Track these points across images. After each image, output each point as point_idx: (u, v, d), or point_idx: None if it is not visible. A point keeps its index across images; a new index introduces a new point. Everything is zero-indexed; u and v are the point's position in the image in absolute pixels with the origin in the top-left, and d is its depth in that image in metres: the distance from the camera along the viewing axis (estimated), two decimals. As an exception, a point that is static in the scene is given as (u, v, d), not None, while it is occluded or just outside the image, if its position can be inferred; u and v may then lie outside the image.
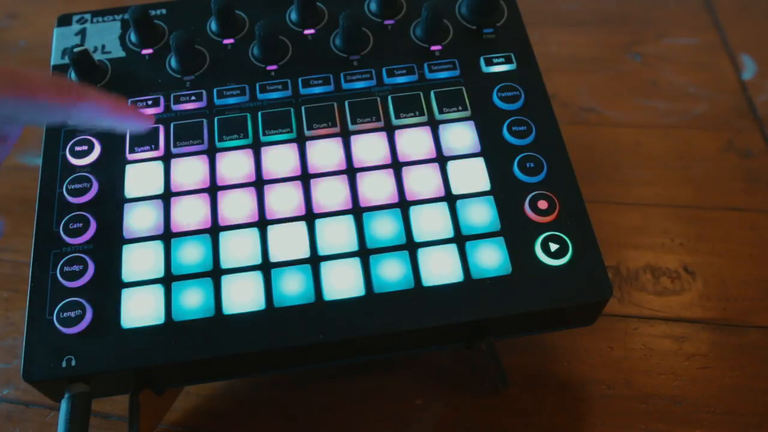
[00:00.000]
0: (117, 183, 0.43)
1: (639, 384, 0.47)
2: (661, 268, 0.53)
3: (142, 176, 0.43)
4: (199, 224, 0.41)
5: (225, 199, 0.42)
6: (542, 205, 0.41)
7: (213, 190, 0.42)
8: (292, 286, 0.39)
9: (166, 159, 0.44)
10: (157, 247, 0.40)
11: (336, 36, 0.48)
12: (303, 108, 0.45)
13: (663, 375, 0.47)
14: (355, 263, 0.40)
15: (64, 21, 0.50)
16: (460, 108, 0.45)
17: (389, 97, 0.45)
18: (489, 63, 0.47)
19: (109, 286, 0.39)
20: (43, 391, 0.39)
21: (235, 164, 0.43)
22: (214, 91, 0.46)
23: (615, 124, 0.65)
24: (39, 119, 0.34)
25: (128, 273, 0.40)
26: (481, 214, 0.41)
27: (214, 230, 0.41)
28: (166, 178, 0.43)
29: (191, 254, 0.40)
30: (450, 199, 0.42)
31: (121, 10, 0.50)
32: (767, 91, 0.67)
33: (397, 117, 0.44)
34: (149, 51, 0.48)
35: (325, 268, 0.40)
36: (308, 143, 0.44)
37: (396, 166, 0.43)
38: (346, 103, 0.45)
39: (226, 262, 0.40)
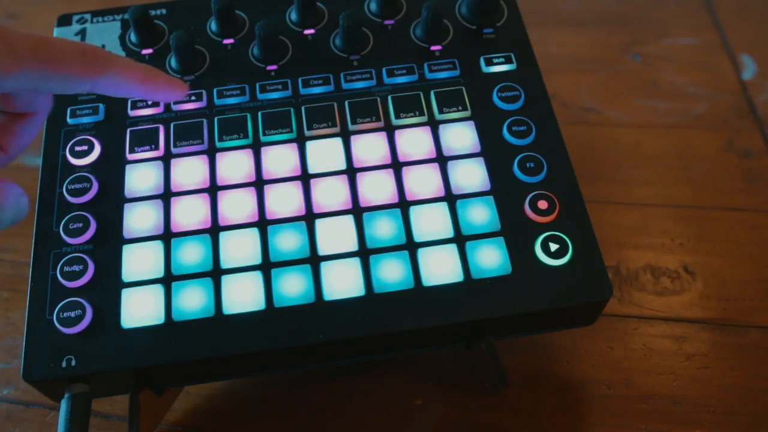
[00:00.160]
0: (117, 183, 0.43)
1: (639, 384, 0.47)
2: (661, 268, 0.53)
3: (142, 176, 0.43)
4: (199, 224, 0.41)
5: (225, 199, 0.42)
6: (542, 205, 0.41)
7: (213, 190, 0.42)
8: (292, 286, 0.39)
9: (166, 159, 0.43)
10: (157, 247, 0.40)
11: (336, 36, 0.48)
12: (303, 108, 0.45)
13: (663, 375, 0.47)
14: (355, 263, 0.40)
15: (64, 21, 0.50)
16: (460, 108, 0.45)
17: (389, 97, 0.45)
18: (489, 63, 0.47)
19: (109, 286, 0.39)
20: (43, 391, 0.39)
21: (235, 164, 0.43)
22: (214, 91, 0.46)
23: (615, 124, 0.65)
24: (65, 89, 0.32)
25: (128, 273, 0.40)
26: (481, 214, 0.41)
27: (214, 230, 0.41)
28: (166, 178, 0.43)
29: (191, 254, 0.40)
30: (450, 199, 0.42)
31: (121, 10, 0.50)
32: (767, 91, 0.67)
33: (397, 117, 0.44)
34: (149, 51, 0.48)
35: (325, 268, 0.40)
36: (308, 143, 0.44)
37: (396, 166, 0.43)
38: (346, 103, 0.45)
39: (226, 262, 0.40)
